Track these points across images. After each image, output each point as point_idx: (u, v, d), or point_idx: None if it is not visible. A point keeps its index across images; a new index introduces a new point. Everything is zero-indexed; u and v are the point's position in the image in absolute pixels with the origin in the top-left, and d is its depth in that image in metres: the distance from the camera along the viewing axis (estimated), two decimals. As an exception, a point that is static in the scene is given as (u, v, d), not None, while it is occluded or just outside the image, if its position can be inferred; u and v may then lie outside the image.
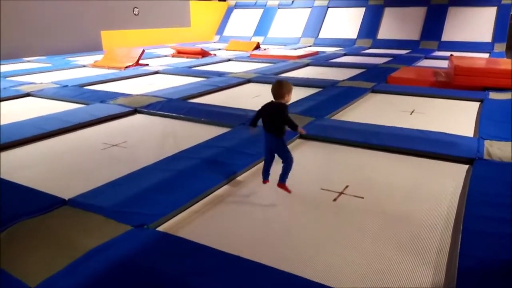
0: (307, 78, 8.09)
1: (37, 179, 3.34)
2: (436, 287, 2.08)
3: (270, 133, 2.88)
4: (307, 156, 3.93)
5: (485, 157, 3.66)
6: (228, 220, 2.75)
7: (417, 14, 15.45)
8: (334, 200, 2.97)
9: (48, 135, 4.53)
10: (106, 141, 4.40)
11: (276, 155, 2.99)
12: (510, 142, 4.02)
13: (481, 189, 2.99)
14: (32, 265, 2.14)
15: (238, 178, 3.38)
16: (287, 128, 2.87)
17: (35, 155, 3.99)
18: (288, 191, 3.00)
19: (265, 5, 18.57)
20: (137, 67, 9.73)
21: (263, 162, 3.07)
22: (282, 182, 2.99)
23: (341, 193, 3.06)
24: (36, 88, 6.99)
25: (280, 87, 2.85)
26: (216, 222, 2.72)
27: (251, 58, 11.65)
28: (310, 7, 17.51)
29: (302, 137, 4.31)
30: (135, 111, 5.59)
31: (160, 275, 2.05)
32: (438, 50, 13.67)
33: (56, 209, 2.71)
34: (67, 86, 7.25)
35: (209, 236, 2.50)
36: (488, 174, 3.28)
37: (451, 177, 3.40)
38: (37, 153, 4.07)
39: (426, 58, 11.78)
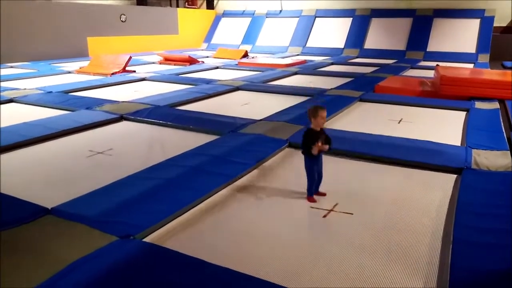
0: (296, 87, 8.07)
1: (19, 188, 3.24)
2: (428, 298, 2.05)
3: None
4: (296, 165, 3.89)
5: (473, 166, 3.68)
6: (217, 231, 2.68)
7: (403, 25, 15.68)
8: (324, 216, 2.91)
9: (31, 142, 4.41)
10: (91, 148, 4.31)
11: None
12: (496, 151, 4.06)
13: (471, 199, 2.99)
14: (13, 278, 2.05)
15: (228, 188, 3.32)
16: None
17: (17, 163, 3.88)
18: (312, 201, 3.09)
19: (253, 14, 18.64)
20: (124, 74, 9.63)
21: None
22: (307, 195, 3.13)
23: (330, 210, 2.99)
24: (19, 94, 6.84)
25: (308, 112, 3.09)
26: (205, 233, 2.66)
27: (239, 66, 11.63)
28: (298, 17, 17.64)
29: (291, 146, 4.28)
30: (121, 118, 5.51)
31: (146, 288, 1.99)
32: (424, 60, 13.85)
33: (38, 219, 2.61)
34: (51, 92, 7.11)
35: (198, 248, 2.43)
36: (477, 183, 3.28)
37: (439, 187, 3.39)
38: (20, 160, 3.95)
39: (412, 68, 11.92)
